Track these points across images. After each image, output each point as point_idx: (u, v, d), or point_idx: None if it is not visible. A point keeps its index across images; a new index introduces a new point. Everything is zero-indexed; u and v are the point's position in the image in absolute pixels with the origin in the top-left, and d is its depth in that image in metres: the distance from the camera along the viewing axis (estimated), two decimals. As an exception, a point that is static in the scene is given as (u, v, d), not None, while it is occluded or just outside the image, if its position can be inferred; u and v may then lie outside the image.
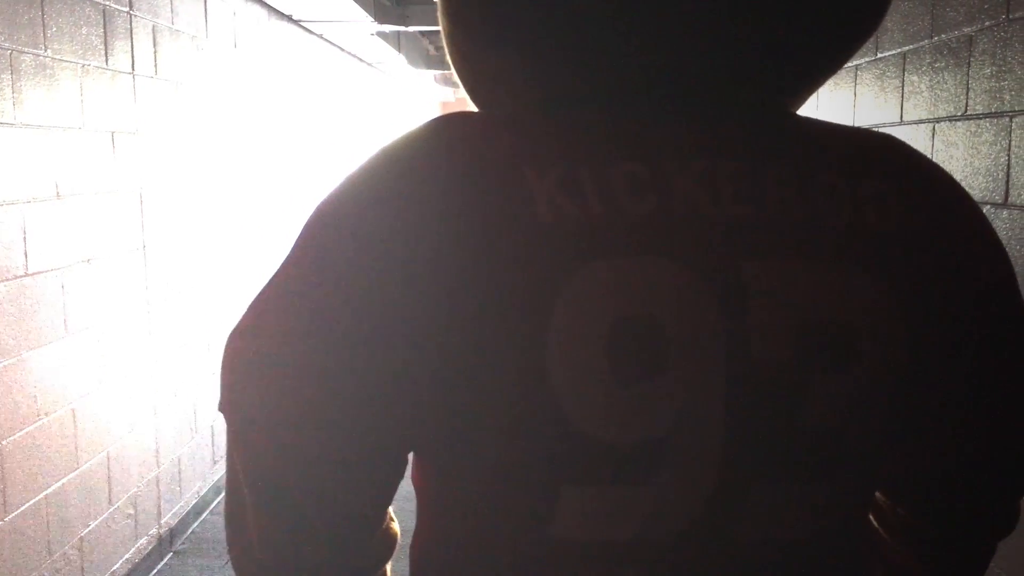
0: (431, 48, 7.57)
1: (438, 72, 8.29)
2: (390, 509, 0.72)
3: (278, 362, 0.61)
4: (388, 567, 0.73)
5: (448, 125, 0.63)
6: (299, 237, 0.64)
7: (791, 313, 0.60)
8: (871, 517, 0.79)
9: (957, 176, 2.28)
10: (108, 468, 3.00)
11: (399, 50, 6.47)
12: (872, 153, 0.67)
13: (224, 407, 0.64)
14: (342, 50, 6.29)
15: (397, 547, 0.73)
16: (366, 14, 4.77)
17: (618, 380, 0.58)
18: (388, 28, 5.34)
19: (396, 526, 0.73)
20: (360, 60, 6.94)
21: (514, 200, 0.59)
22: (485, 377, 0.59)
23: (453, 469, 0.64)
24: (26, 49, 2.49)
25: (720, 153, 0.63)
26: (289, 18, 4.90)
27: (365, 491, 0.64)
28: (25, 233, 2.50)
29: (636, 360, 0.58)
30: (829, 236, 0.62)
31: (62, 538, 2.71)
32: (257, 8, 4.42)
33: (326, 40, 5.77)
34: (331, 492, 0.62)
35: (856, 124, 2.92)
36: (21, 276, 2.49)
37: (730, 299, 0.60)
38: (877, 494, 0.77)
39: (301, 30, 5.17)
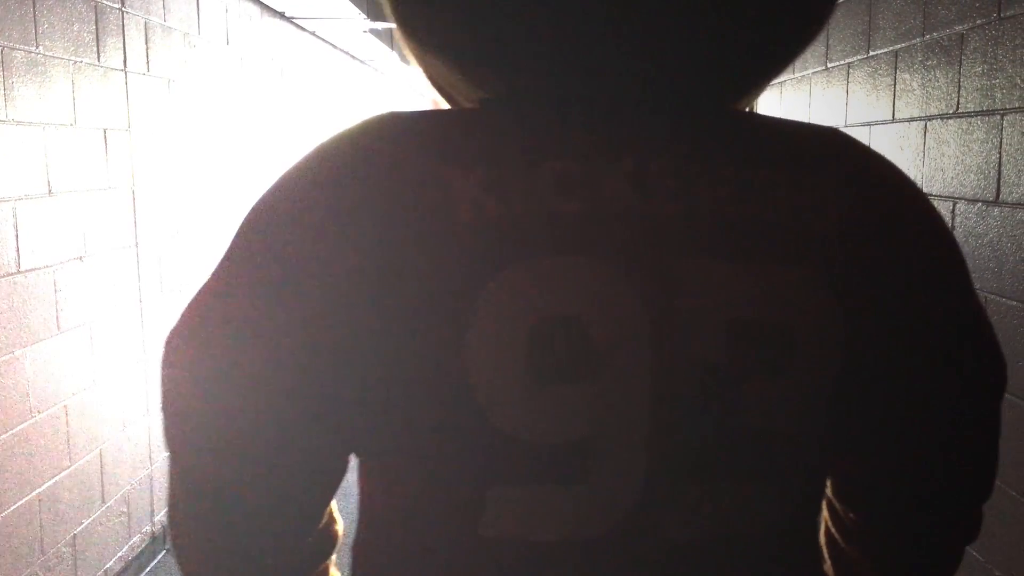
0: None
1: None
2: (333, 507, 0.72)
3: (215, 362, 0.61)
4: (332, 564, 0.74)
5: (379, 125, 0.63)
6: (235, 236, 0.64)
7: (723, 313, 0.59)
8: (826, 518, 0.78)
9: (948, 174, 2.29)
10: (101, 466, 2.99)
11: (391, 47, 6.46)
12: (816, 149, 0.65)
13: (162, 405, 0.64)
14: (334, 47, 6.28)
15: (339, 545, 0.73)
16: (358, 11, 4.76)
17: (537, 381, 0.58)
18: (380, 25, 5.34)
19: (339, 526, 0.73)
20: (352, 57, 6.93)
21: (435, 201, 0.59)
22: (412, 376, 0.59)
23: (390, 469, 0.65)
24: (18, 46, 2.48)
25: (655, 151, 0.62)
26: (282, 15, 4.89)
27: (303, 490, 0.64)
28: (17, 230, 2.49)
29: (556, 361, 0.58)
30: (765, 234, 0.60)
31: (55, 536, 2.71)
32: (249, 5, 4.41)
33: (318, 37, 5.76)
34: (268, 491, 0.62)
35: (849, 122, 2.93)
36: (13, 273, 2.48)
37: (658, 299, 0.59)
38: (829, 495, 0.76)
39: (293, 27, 5.16)
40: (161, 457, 3.46)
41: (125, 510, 3.17)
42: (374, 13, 5.06)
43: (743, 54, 0.64)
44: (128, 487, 3.19)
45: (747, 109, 0.72)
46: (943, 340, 0.64)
